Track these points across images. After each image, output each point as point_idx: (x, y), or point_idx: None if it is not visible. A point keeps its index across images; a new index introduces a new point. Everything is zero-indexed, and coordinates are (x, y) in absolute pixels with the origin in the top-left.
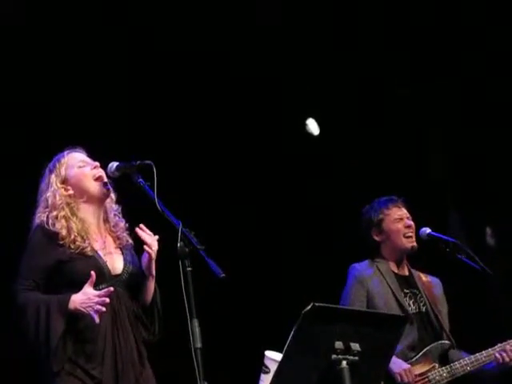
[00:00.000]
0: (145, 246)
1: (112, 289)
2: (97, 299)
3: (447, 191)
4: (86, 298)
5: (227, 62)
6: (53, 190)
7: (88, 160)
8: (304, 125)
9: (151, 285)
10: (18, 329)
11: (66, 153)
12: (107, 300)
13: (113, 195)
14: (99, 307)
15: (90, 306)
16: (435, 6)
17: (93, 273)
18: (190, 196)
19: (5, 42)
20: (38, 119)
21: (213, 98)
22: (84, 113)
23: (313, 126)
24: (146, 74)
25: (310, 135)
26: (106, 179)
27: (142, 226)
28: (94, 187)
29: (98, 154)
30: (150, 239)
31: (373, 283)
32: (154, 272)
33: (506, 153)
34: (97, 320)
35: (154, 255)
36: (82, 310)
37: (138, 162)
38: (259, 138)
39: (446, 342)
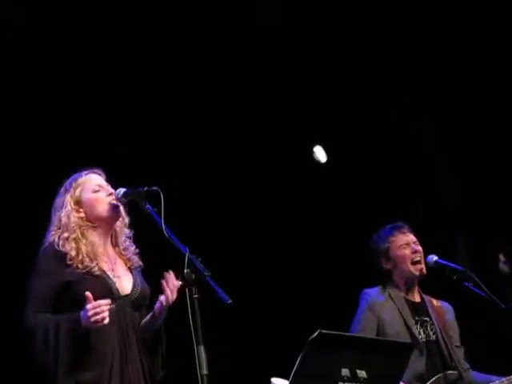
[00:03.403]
0: (162, 297)
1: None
2: (91, 312)
3: (456, 217)
4: (86, 315)
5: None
6: (67, 211)
7: (104, 185)
8: (311, 152)
9: (158, 321)
10: (27, 350)
11: (84, 173)
12: (106, 306)
13: (126, 219)
14: (100, 317)
15: (93, 320)
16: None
17: (88, 293)
18: (197, 223)
19: (5, 42)
20: (37, 120)
21: (215, 110)
22: (85, 116)
23: (320, 154)
24: (146, 79)
25: (317, 162)
26: (116, 203)
27: (170, 273)
28: (106, 211)
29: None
30: (169, 291)
31: (384, 310)
32: (163, 315)
33: None
34: (106, 321)
35: (167, 301)
36: (90, 325)
37: (145, 189)
38: (265, 164)
39: (454, 372)
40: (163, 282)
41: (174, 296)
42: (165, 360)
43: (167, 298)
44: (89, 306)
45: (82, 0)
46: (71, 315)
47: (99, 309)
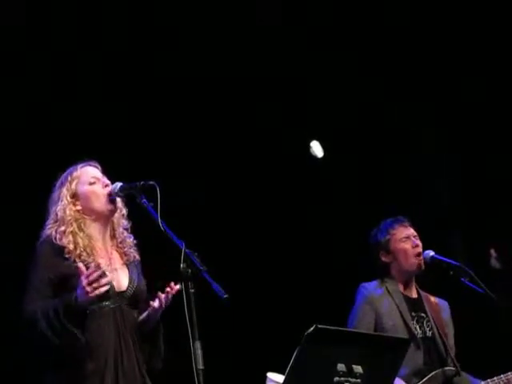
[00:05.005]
0: (154, 303)
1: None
2: (85, 282)
3: (451, 213)
4: (80, 288)
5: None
6: (63, 205)
7: (99, 176)
8: (308, 147)
9: (153, 320)
10: (32, 339)
11: (79, 166)
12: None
13: (124, 211)
14: (97, 290)
15: (87, 292)
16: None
17: (80, 265)
18: (193, 218)
19: (5, 42)
20: (37, 119)
21: (214, 107)
22: (84, 115)
23: (317, 149)
24: (145, 80)
25: (314, 158)
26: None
27: (171, 286)
28: (103, 204)
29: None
30: (165, 301)
31: (382, 304)
32: (158, 314)
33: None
34: (103, 289)
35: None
36: (85, 300)
37: (142, 183)
38: (262, 159)
39: (451, 368)
40: (159, 294)
41: (168, 303)
42: (163, 351)
43: (160, 305)
44: (83, 279)
45: (82, 0)
46: (67, 295)
47: (96, 283)
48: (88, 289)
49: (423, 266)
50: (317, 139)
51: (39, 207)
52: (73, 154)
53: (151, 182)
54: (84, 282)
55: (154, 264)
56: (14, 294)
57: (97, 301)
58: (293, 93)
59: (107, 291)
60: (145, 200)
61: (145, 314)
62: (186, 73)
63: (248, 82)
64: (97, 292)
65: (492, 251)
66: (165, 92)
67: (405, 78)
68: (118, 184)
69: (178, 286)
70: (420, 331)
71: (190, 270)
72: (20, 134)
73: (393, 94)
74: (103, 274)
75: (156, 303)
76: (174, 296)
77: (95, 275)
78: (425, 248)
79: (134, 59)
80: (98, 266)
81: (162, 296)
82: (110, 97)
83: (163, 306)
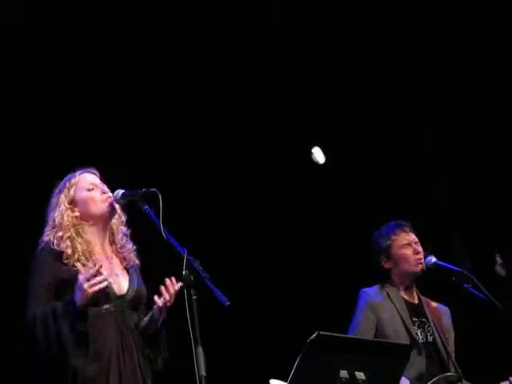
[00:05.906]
0: (157, 299)
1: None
2: (86, 284)
3: (451, 213)
4: (80, 288)
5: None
6: (61, 211)
7: (98, 183)
8: (309, 153)
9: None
10: (31, 344)
11: (78, 173)
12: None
13: (123, 218)
14: (95, 287)
15: (86, 291)
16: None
17: (80, 266)
18: (195, 224)
19: (5, 42)
20: (36, 121)
21: (214, 110)
22: (85, 116)
23: (318, 155)
24: (146, 85)
25: (316, 164)
26: (112, 201)
27: (172, 281)
28: (101, 209)
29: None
30: (168, 295)
31: (383, 310)
32: (163, 315)
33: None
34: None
35: (164, 305)
36: (85, 299)
37: (144, 190)
38: (264, 167)
39: (454, 374)
40: (162, 288)
41: (172, 301)
42: (167, 355)
43: (164, 303)
44: (81, 278)
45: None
46: (66, 299)
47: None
48: (85, 285)
49: (424, 269)
50: (317, 144)
51: (38, 213)
52: (72, 161)
53: (153, 189)
54: (81, 277)
55: (156, 271)
56: (14, 294)
57: (94, 302)
58: (293, 96)
59: (108, 294)
60: (147, 207)
61: (148, 317)
62: (187, 73)
63: (249, 85)
64: (95, 288)
65: (497, 258)
66: (164, 94)
67: (404, 78)
68: (120, 191)
69: (179, 284)
70: (421, 336)
71: (192, 277)
72: (20, 138)
73: (393, 94)
74: (100, 272)
75: (160, 301)
76: (176, 302)
77: (92, 272)
78: (427, 252)
79: (134, 60)
80: (95, 265)
81: (165, 293)
82: (110, 100)
83: (167, 304)
